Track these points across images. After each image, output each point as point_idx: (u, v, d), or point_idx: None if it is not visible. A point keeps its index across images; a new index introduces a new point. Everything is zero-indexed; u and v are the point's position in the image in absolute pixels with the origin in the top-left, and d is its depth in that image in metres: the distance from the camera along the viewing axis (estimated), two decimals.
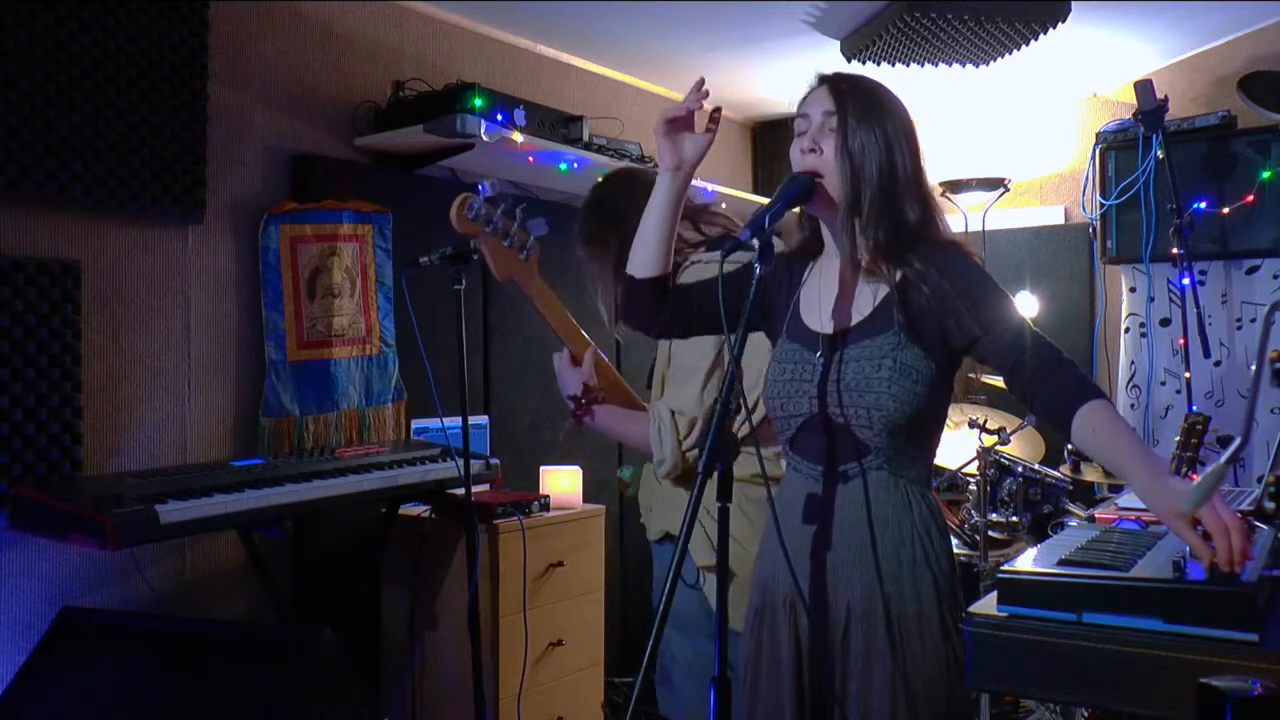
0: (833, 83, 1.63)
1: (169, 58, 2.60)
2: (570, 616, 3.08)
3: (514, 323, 3.50)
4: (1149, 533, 1.75)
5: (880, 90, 1.65)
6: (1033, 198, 4.56)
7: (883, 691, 1.54)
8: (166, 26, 2.59)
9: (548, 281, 2.27)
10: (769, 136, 4.85)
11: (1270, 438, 3.11)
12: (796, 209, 1.65)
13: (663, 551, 2.18)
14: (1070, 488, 3.35)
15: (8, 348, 2.34)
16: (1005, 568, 1.52)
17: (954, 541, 3.38)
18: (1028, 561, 1.55)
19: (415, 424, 3.12)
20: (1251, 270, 3.70)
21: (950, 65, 3.63)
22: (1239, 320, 3.73)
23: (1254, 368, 1.86)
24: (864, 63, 3.55)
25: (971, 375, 3.96)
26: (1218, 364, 3.72)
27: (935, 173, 1.70)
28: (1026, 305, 4.24)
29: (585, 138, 3.24)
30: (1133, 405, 3.94)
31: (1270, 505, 1.81)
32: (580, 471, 3.24)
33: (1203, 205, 3.64)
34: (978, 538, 3.22)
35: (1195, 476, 1.86)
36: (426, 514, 2.91)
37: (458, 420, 2.61)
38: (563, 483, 3.18)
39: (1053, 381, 1.53)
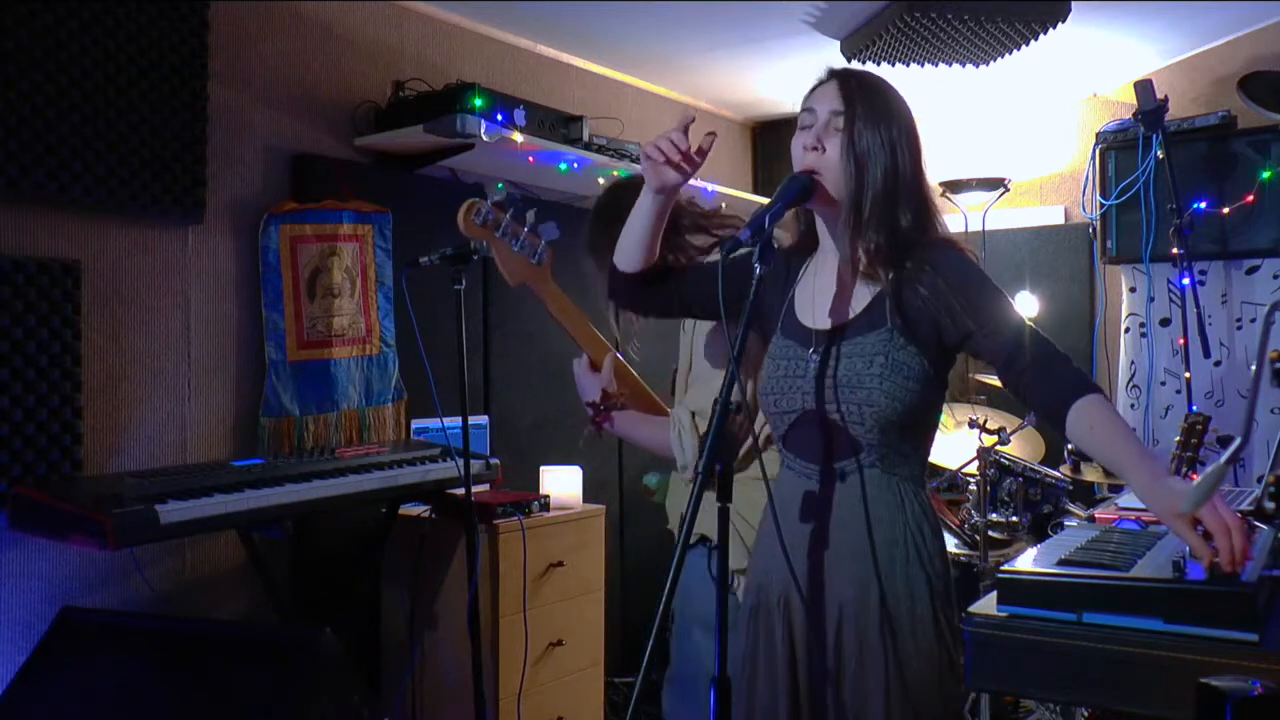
0: (842, 80, 1.62)
1: (169, 58, 2.60)
2: (570, 616, 3.08)
3: (514, 323, 3.51)
4: (1149, 533, 1.76)
5: (888, 91, 1.64)
6: (1033, 198, 4.56)
7: (877, 690, 1.54)
8: (166, 26, 2.59)
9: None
10: (769, 136, 4.85)
11: (1270, 438, 3.11)
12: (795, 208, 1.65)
13: (696, 556, 2.10)
14: (1070, 488, 3.35)
15: (8, 348, 2.34)
16: (1005, 568, 1.52)
17: (954, 541, 3.42)
18: (1028, 561, 1.56)
19: (415, 424, 3.12)
20: (1251, 270, 3.70)
21: (950, 65, 3.63)
22: (1239, 320, 3.73)
23: (1254, 368, 1.86)
24: (864, 63, 3.55)
25: (971, 375, 3.97)
26: (1218, 364, 3.72)
27: (935, 173, 1.70)
28: (1026, 305, 4.24)
29: (585, 138, 3.24)
30: (1133, 405, 3.94)
31: (1270, 505, 1.81)
32: (580, 471, 3.24)
33: (1203, 205, 3.64)
34: (978, 538, 3.22)
35: (1195, 476, 1.86)
36: (426, 514, 2.91)
37: (458, 420, 2.60)
38: (563, 483, 3.18)
39: (1048, 376, 1.53)
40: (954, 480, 3.50)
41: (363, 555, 2.92)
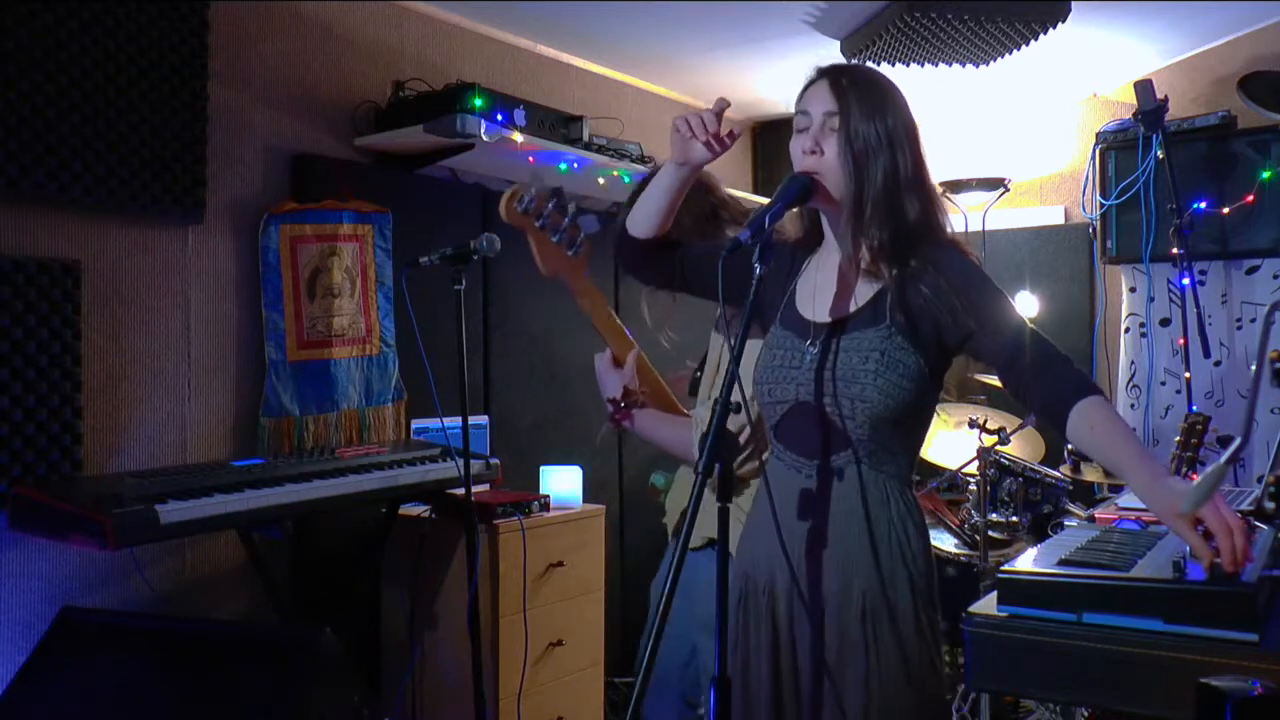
0: (833, 78, 1.61)
1: (169, 58, 2.60)
2: (570, 616, 3.08)
3: (514, 323, 3.51)
4: (1149, 533, 1.76)
5: (881, 83, 1.63)
6: (1033, 198, 4.56)
7: (856, 685, 1.54)
8: (166, 26, 2.59)
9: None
10: (769, 136, 4.84)
11: (1270, 438, 3.10)
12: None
13: (705, 558, 2.07)
14: (1070, 488, 3.35)
15: (8, 348, 2.34)
16: (1005, 568, 1.52)
17: (954, 541, 3.42)
18: (1028, 561, 1.56)
19: (415, 424, 3.12)
20: (1251, 270, 3.70)
21: (950, 65, 3.63)
22: (1239, 320, 3.73)
23: (1254, 368, 1.86)
24: (864, 63, 3.55)
25: (971, 375, 3.97)
26: (1218, 364, 3.72)
27: (935, 173, 1.68)
28: (1026, 305, 4.24)
29: (585, 138, 3.23)
30: (1133, 405, 3.94)
31: (1270, 505, 1.81)
32: (580, 471, 3.24)
33: (1203, 205, 3.64)
34: (978, 538, 3.22)
35: (1195, 476, 1.86)
36: (426, 514, 2.91)
37: (458, 420, 2.60)
38: (563, 483, 3.18)
39: (1048, 377, 1.52)
40: (954, 480, 3.50)
41: (363, 555, 2.92)
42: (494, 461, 2.99)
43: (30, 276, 2.38)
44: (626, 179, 3.35)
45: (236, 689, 2.14)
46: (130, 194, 2.53)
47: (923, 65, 3.60)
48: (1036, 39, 3.40)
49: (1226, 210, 3.63)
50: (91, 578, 2.52)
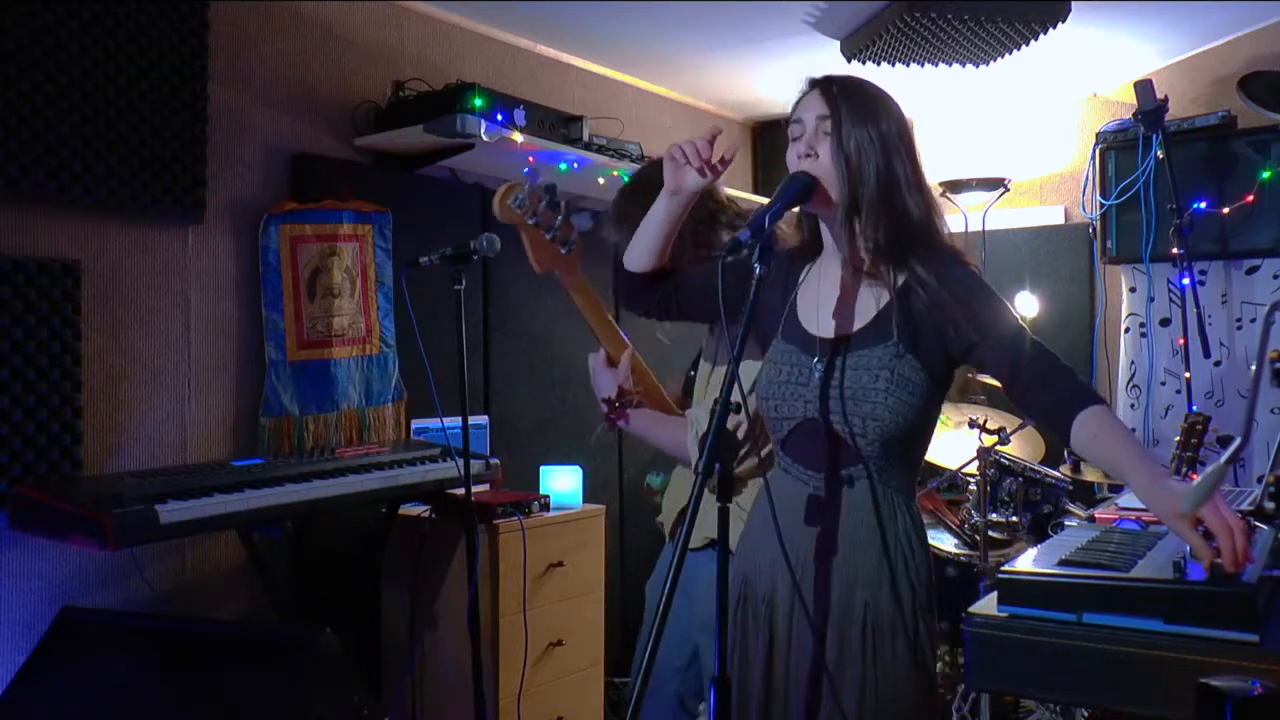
0: (824, 86, 1.63)
1: (169, 58, 2.59)
2: (570, 616, 3.08)
3: (514, 323, 3.51)
4: (1149, 533, 1.76)
5: (872, 89, 1.65)
6: (1033, 198, 4.56)
7: (853, 696, 1.55)
8: (166, 26, 2.59)
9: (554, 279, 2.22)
10: (769, 136, 4.84)
11: (1270, 438, 3.11)
12: (796, 209, 1.65)
13: (705, 559, 2.05)
14: (1070, 488, 3.35)
15: (8, 348, 2.34)
16: (1005, 568, 1.52)
17: (954, 541, 3.42)
18: (1028, 562, 1.56)
19: (415, 424, 3.12)
20: (1251, 270, 3.70)
21: (950, 65, 3.63)
22: (1239, 320, 3.73)
23: (1254, 368, 1.86)
24: (864, 63, 3.55)
25: (971, 375, 3.97)
26: (1218, 364, 3.72)
27: (935, 173, 1.69)
28: (1026, 305, 4.24)
29: (585, 138, 3.23)
30: (1133, 405, 3.94)
31: (1270, 505, 1.81)
32: (580, 471, 3.24)
33: (1203, 205, 3.64)
34: (978, 538, 3.22)
35: (1195, 476, 1.86)
36: (426, 514, 2.91)
37: (458, 420, 2.60)
38: (563, 483, 3.18)
39: (1051, 387, 1.53)
40: (954, 480, 3.50)
41: (363, 555, 2.92)
42: (494, 461, 2.99)
43: (30, 276, 2.38)
44: (626, 179, 3.34)
45: (236, 689, 2.14)
46: (130, 194, 2.53)
47: (923, 65, 3.60)
48: (1036, 39, 3.40)
49: (1226, 210, 3.63)
50: (91, 578, 2.52)
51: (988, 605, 1.50)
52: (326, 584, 2.89)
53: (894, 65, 3.55)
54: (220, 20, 2.76)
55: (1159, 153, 3.63)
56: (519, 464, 3.35)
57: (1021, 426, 3.34)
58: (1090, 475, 3.37)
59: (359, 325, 3.04)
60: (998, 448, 3.23)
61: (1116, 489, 3.14)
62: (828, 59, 3.64)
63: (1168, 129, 3.63)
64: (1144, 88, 3.65)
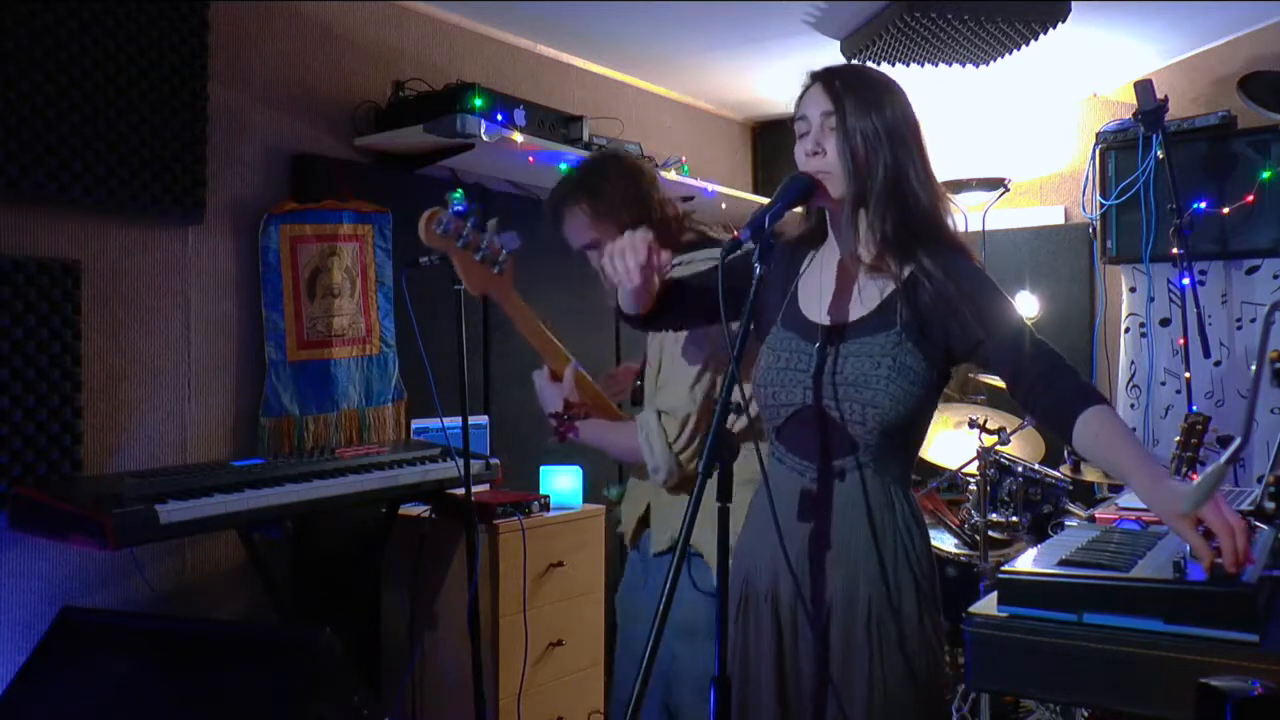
0: (826, 80, 1.61)
1: (169, 58, 2.60)
2: (570, 616, 3.08)
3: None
4: (1149, 533, 1.76)
5: (875, 76, 1.64)
6: (1033, 198, 4.56)
7: (860, 687, 1.54)
8: (166, 26, 2.59)
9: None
10: (769, 136, 4.85)
11: (1270, 438, 3.11)
12: (798, 208, 1.65)
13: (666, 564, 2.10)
14: (1070, 488, 3.35)
15: (8, 348, 2.34)
16: (1005, 568, 1.52)
17: (954, 541, 3.42)
18: (1028, 561, 1.56)
19: (415, 424, 3.12)
20: (1251, 270, 3.70)
21: (950, 65, 3.63)
22: (1239, 320, 3.73)
23: (1254, 368, 1.86)
24: (864, 63, 3.55)
25: (971, 375, 3.97)
26: (1218, 364, 3.72)
27: (936, 173, 1.68)
28: (1026, 305, 4.24)
29: (585, 138, 3.24)
30: (1133, 405, 3.94)
31: (1270, 505, 1.81)
32: (580, 471, 3.24)
33: (1203, 205, 3.64)
34: (978, 538, 3.22)
35: (1195, 477, 1.86)
36: (426, 514, 2.91)
37: (458, 420, 2.60)
38: (563, 483, 3.18)
39: (1054, 387, 1.53)
40: (954, 480, 3.50)
41: (363, 555, 2.92)
42: (494, 461, 2.99)
43: (30, 276, 2.38)
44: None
45: (236, 689, 2.14)
46: (130, 194, 2.53)
47: (923, 65, 3.60)
48: (1036, 39, 3.40)
49: (1226, 210, 3.63)
50: (91, 578, 2.52)
51: (988, 605, 1.50)
52: (326, 584, 2.89)
53: (894, 65, 3.55)
54: (220, 20, 2.76)
55: (1159, 153, 3.63)
56: (519, 464, 3.35)
57: (1021, 426, 3.35)
58: (1090, 475, 3.36)
59: (359, 325, 3.04)
60: (998, 448, 3.23)
61: (1116, 489, 3.14)
62: (827, 59, 3.61)
63: (1168, 129, 3.63)
64: (1144, 88, 3.65)
